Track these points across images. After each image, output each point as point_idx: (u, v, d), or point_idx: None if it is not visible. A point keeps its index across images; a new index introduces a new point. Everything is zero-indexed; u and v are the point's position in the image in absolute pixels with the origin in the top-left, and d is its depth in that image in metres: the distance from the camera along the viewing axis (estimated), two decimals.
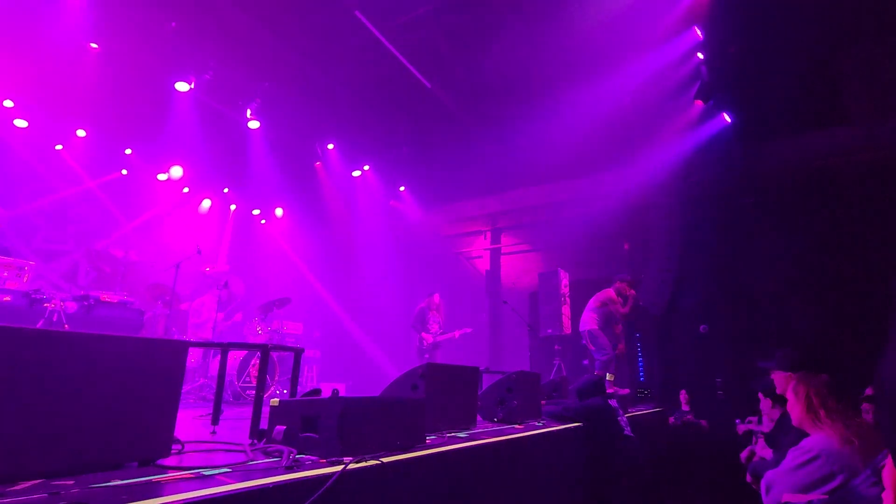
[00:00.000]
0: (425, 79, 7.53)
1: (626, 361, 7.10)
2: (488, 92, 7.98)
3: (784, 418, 3.28)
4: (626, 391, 6.06)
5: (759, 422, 4.01)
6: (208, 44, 6.88)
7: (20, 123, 7.50)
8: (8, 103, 7.20)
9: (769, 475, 2.33)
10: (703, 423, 5.97)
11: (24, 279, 4.53)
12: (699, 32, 6.59)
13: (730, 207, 7.40)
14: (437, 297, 7.62)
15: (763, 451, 3.45)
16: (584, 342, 6.43)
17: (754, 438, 3.79)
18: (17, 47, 6.30)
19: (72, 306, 4.71)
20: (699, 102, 7.27)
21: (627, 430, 3.97)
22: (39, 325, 4.29)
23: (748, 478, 3.11)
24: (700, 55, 6.85)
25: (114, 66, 6.91)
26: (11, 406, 1.44)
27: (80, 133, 8.06)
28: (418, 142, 9.41)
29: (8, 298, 4.31)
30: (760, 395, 3.62)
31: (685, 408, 6.28)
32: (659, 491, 4.50)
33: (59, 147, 8.04)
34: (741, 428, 4.29)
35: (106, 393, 1.66)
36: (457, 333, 7.49)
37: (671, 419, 6.11)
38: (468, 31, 6.92)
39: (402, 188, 10.56)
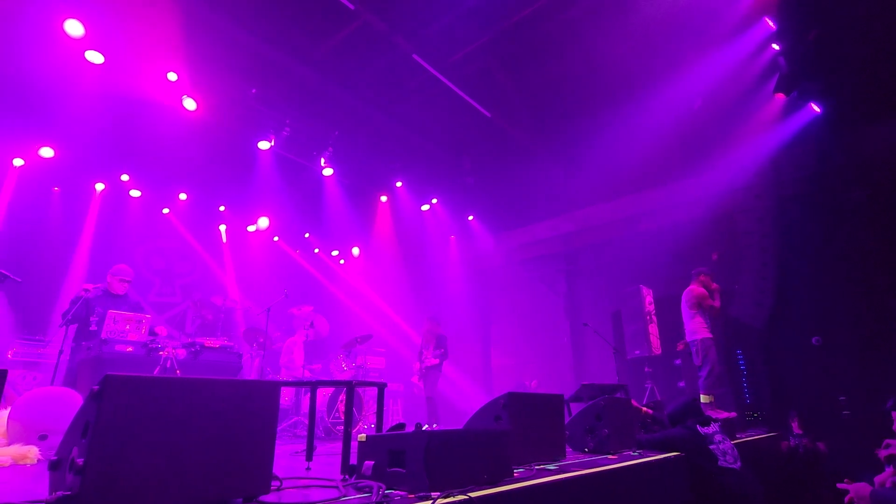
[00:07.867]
0: (485, 108, 7.68)
1: (727, 379, 6.51)
2: (549, 112, 7.96)
3: None
4: (733, 414, 5.52)
5: None
6: (283, 103, 7.54)
7: (134, 194, 8.60)
8: (124, 177, 8.29)
9: None
10: (822, 445, 5.29)
11: (143, 331, 5.08)
12: (770, 23, 6.19)
13: (836, 202, 6.69)
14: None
15: None
16: (690, 355, 5.92)
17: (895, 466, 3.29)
18: (129, 129, 7.28)
19: (182, 353, 5.21)
20: (780, 96, 6.75)
21: (724, 461, 3.51)
22: (156, 372, 4.79)
23: None
24: (775, 46, 6.41)
25: (206, 133, 7.75)
26: (137, 448, 1.60)
27: (182, 196, 9.07)
28: (484, 170, 9.52)
29: (130, 349, 4.87)
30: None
31: (798, 431, 5.62)
32: None
33: (165, 211, 9.11)
34: (881, 454, 3.74)
35: (214, 433, 1.79)
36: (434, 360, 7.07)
37: (783, 444, 5.48)
38: (523, 56, 7.01)
39: (470, 217, 10.68)
